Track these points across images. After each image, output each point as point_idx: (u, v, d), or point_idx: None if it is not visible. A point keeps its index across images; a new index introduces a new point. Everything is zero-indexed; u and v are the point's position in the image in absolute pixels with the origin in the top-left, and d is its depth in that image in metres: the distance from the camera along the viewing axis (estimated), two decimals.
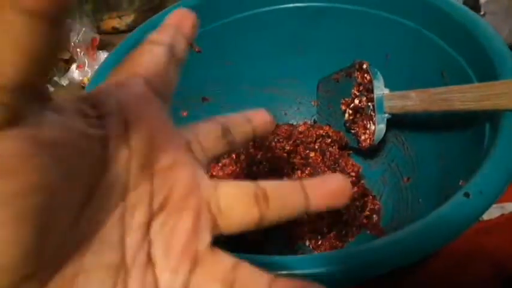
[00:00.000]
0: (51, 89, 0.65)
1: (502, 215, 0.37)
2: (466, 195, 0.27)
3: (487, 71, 0.34)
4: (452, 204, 0.26)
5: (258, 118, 0.24)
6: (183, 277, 0.17)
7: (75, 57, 0.61)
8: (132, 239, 0.16)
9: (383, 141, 0.45)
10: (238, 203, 0.19)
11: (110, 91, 0.17)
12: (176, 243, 0.17)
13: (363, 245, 0.25)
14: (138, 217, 0.17)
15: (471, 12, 0.38)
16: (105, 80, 0.33)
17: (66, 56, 0.63)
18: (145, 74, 0.19)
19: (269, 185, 0.19)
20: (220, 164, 0.47)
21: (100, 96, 0.17)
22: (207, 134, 0.21)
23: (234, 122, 0.23)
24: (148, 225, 0.17)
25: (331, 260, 0.24)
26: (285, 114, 0.54)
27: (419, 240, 0.25)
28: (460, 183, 0.33)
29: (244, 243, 0.43)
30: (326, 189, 0.19)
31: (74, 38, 0.60)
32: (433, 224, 0.26)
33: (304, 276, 0.24)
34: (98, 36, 0.63)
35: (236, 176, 0.46)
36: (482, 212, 0.26)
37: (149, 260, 0.16)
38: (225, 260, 0.17)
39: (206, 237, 0.18)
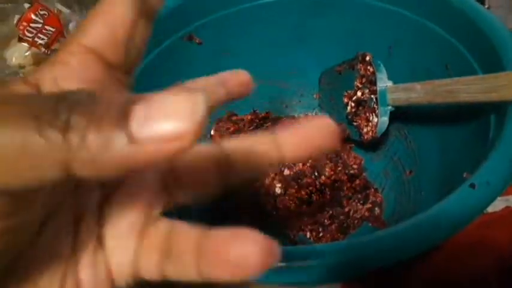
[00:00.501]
0: None
1: (507, 207, 0.36)
2: (472, 186, 0.26)
3: (492, 63, 0.34)
4: (458, 195, 0.26)
5: (233, 80, 0.20)
6: (131, 253, 0.16)
7: None
8: (87, 223, 0.16)
9: (385, 134, 0.45)
10: (197, 170, 0.17)
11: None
12: (125, 220, 0.16)
13: (366, 236, 0.25)
14: (93, 198, 0.16)
15: (476, 3, 0.38)
16: None
17: (58, 47, 0.62)
18: (100, 47, 0.15)
19: (234, 147, 0.17)
20: None
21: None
22: None
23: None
24: (101, 207, 0.16)
25: (332, 251, 0.24)
26: (286, 106, 0.54)
27: (425, 232, 0.25)
28: (464, 176, 0.33)
29: None
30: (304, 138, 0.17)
31: (69, 27, 0.59)
32: (438, 215, 0.25)
33: (303, 268, 0.24)
34: None
35: None
36: (489, 203, 0.26)
37: (99, 242, 0.16)
38: (161, 226, 0.16)
39: (157, 211, 0.16)
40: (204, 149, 0.17)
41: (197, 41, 0.46)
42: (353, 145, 0.48)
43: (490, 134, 0.32)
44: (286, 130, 0.17)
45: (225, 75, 0.20)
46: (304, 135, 0.17)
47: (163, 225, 0.16)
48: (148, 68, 0.42)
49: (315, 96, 0.53)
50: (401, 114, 0.43)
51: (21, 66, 0.61)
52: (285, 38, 0.50)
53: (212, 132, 0.49)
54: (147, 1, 0.16)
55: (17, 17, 0.57)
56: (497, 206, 0.37)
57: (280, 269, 0.23)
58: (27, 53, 0.61)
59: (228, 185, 0.18)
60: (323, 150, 0.17)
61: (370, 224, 0.43)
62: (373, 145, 0.47)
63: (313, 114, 0.53)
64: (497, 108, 0.32)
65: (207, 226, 0.16)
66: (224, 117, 0.50)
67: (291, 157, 0.17)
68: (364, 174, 0.45)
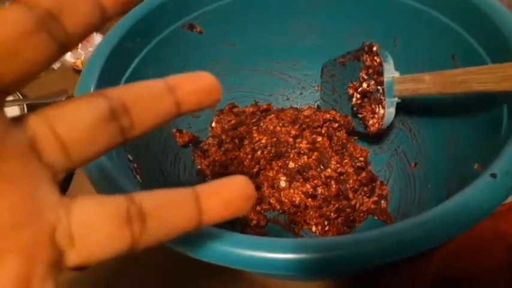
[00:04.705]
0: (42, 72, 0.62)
1: None
2: (493, 175, 0.26)
3: (501, 52, 0.33)
4: (478, 184, 0.26)
5: (188, 85, 0.16)
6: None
7: None
8: None
9: (389, 126, 0.44)
10: (100, 227, 0.14)
11: None
12: None
13: (386, 228, 0.24)
14: None
15: None
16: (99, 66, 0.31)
17: None
18: None
19: (148, 199, 0.16)
20: (223, 149, 0.45)
21: None
22: (77, 120, 0.14)
23: (137, 95, 0.15)
24: None
25: (348, 243, 0.23)
26: (287, 99, 0.53)
27: (449, 222, 0.24)
28: (475, 167, 0.32)
29: (247, 229, 0.42)
30: (225, 198, 0.17)
31: None
32: (461, 204, 0.25)
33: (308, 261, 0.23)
34: None
35: (240, 161, 0.44)
36: (510, 193, 0.26)
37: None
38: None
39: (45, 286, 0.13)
40: (111, 199, 0.15)
41: (198, 30, 0.45)
42: (356, 138, 0.47)
43: (502, 124, 0.32)
44: (210, 191, 0.17)
45: (176, 79, 0.16)
46: (226, 199, 0.17)
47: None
48: (148, 56, 0.41)
49: (316, 88, 0.52)
50: (404, 106, 0.43)
51: None
52: (287, 28, 0.49)
53: (213, 124, 0.48)
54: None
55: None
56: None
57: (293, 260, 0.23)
58: None
59: (137, 246, 0.16)
60: (238, 214, 0.17)
61: (376, 217, 0.42)
62: (377, 138, 0.47)
63: (315, 106, 0.52)
64: (509, 98, 0.32)
65: None
66: (225, 109, 0.49)
67: (208, 221, 0.17)
68: (369, 167, 0.45)
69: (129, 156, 0.35)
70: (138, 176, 0.34)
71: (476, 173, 0.30)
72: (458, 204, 0.25)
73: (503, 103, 0.32)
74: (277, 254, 0.22)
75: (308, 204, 0.42)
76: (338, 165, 0.43)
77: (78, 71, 0.60)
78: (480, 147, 0.34)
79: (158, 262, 0.41)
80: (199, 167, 0.45)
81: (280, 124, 0.45)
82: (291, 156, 0.43)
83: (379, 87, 0.41)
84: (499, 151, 0.28)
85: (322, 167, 0.42)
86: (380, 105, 0.41)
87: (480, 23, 0.36)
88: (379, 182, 0.43)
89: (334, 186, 0.42)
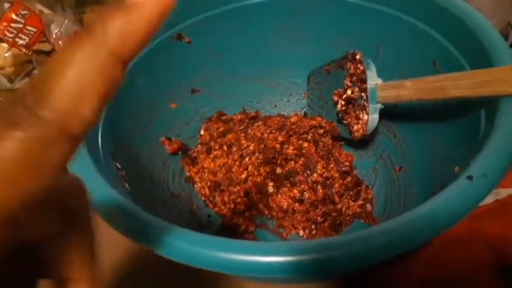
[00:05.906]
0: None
1: (496, 200, 0.37)
2: (470, 178, 0.27)
3: (480, 59, 0.34)
4: (456, 187, 0.27)
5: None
6: None
7: (57, 50, 0.59)
8: None
9: (374, 132, 0.45)
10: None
11: None
12: None
13: (364, 231, 0.25)
14: None
15: (461, 1, 0.38)
16: None
17: (47, 49, 0.61)
18: None
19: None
20: (211, 156, 0.46)
21: None
22: None
23: None
24: None
25: (331, 246, 0.24)
26: (275, 106, 0.54)
27: (426, 223, 0.25)
28: (455, 170, 0.33)
29: (235, 234, 0.42)
30: None
31: (56, 30, 0.58)
32: (437, 206, 0.26)
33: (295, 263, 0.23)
34: (80, 29, 0.61)
35: (228, 168, 0.45)
36: (486, 195, 0.27)
37: None
38: None
39: None
40: None
41: (186, 40, 0.46)
42: (342, 143, 0.48)
43: (480, 128, 0.33)
44: None
45: None
46: None
47: None
48: (137, 67, 0.41)
49: (303, 95, 0.53)
50: (389, 112, 0.44)
51: (0, 68, 0.60)
52: (274, 37, 0.50)
53: (202, 132, 0.49)
54: None
55: None
56: (487, 199, 0.37)
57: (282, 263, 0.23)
58: (7, 54, 0.59)
59: None
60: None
61: (362, 221, 0.43)
62: (362, 143, 0.48)
63: (302, 113, 0.53)
64: (486, 102, 0.33)
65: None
66: (214, 116, 0.50)
67: None
68: (355, 171, 0.46)
69: (117, 164, 0.35)
70: (126, 184, 0.34)
71: (456, 176, 0.31)
72: (436, 206, 0.25)
73: (481, 108, 0.33)
74: (269, 257, 0.23)
75: (295, 208, 0.43)
76: (324, 170, 0.44)
77: None
78: (460, 150, 0.35)
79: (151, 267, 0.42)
80: (188, 174, 0.46)
81: (268, 131, 0.46)
82: (278, 162, 0.44)
83: (362, 94, 0.42)
84: (476, 154, 0.29)
85: (308, 172, 0.43)
86: (364, 112, 0.42)
87: (458, 31, 0.37)
88: (364, 186, 0.44)
89: (320, 190, 0.43)
